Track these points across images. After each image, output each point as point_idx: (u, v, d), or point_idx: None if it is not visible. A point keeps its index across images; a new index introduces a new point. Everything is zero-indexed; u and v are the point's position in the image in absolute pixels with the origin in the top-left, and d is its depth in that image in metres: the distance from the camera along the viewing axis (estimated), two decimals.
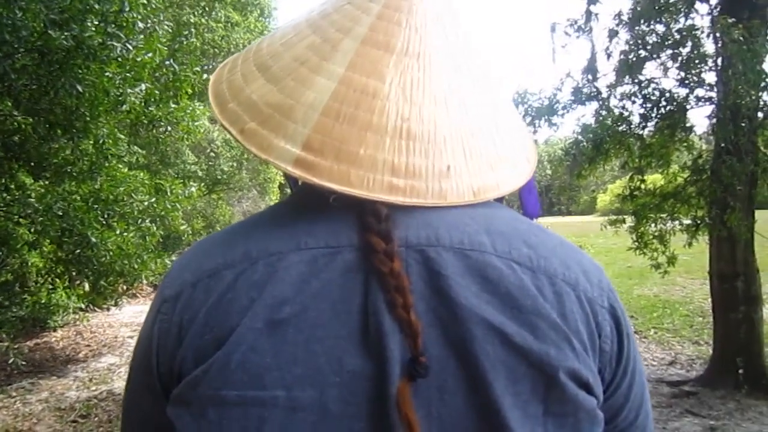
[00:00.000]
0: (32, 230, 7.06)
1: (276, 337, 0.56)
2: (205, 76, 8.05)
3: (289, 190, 0.77)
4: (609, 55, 5.60)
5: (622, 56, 5.55)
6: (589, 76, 5.70)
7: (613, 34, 5.53)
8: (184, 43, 8.02)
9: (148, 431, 0.67)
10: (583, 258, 0.66)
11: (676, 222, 5.86)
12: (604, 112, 5.73)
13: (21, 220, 7.00)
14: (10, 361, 6.55)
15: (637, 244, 5.99)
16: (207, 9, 12.74)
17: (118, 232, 7.08)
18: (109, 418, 5.41)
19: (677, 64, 5.30)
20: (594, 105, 5.85)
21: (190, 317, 0.59)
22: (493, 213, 0.64)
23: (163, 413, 0.61)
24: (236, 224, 0.69)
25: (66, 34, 4.81)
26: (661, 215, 5.79)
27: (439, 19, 0.65)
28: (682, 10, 5.09)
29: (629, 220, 6.21)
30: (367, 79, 0.60)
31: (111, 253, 6.88)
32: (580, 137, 5.73)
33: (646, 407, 0.70)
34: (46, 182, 6.84)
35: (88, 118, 5.69)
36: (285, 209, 0.68)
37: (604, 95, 5.74)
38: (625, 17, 5.53)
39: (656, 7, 4.81)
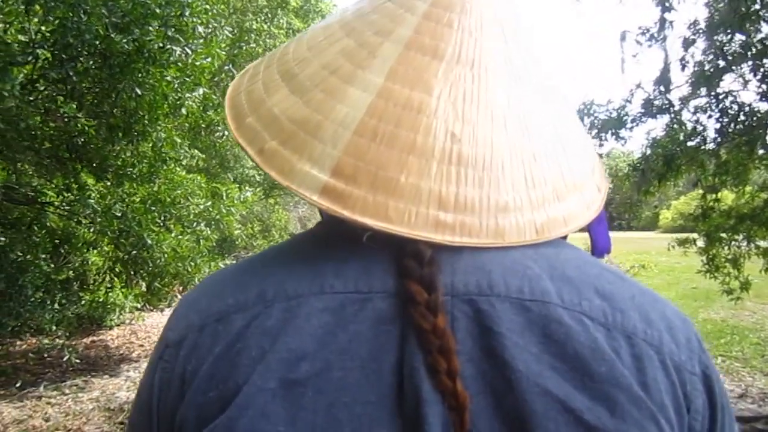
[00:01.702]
0: (92, 230, 7.23)
1: (291, 401, 0.45)
2: None
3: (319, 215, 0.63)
4: (684, 66, 5.28)
5: (697, 67, 5.23)
6: (662, 88, 5.39)
7: (689, 43, 5.22)
8: (244, 48, 8.07)
9: None
10: (668, 309, 0.53)
11: (752, 245, 5.47)
12: (676, 126, 5.41)
13: (82, 220, 7.16)
14: (65, 359, 6.68)
15: (707, 267, 5.63)
16: (269, 16, 12.89)
17: (173, 234, 7.16)
18: None
19: (758, 77, 4.95)
20: (665, 118, 5.54)
21: (193, 368, 0.49)
22: (558, 254, 0.53)
23: None
24: (254, 257, 0.58)
25: (127, 37, 4.86)
26: (736, 237, 5.42)
27: (497, 22, 0.55)
28: (765, 18, 4.74)
29: (699, 241, 5.85)
30: (410, 92, 0.50)
31: (166, 255, 6.96)
32: (649, 152, 5.44)
33: None
34: (107, 183, 6.97)
35: (147, 122, 5.75)
36: (309, 243, 0.57)
37: (677, 108, 5.42)
38: (702, 25, 5.22)
39: (737, 15, 4.49)
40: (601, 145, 5.65)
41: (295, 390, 0.46)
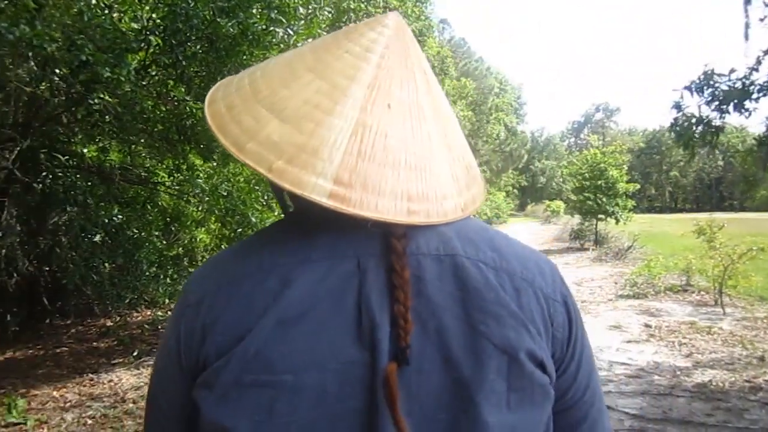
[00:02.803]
0: (200, 209, 7.55)
1: (286, 332, 0.66)
2: None
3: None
4: None
5: None
6: None
7: None
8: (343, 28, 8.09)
9: (173, 410, 0.75)
10: (540, 258, 0.80)
11: None
12: None
13: (191, 199, 7.48)
14: None
15: None
16: None
17: (276, 213, 7.35)
18: None
19: None
20: None
21: (212, 319, 0.69)
22: (466, 224, 0.78)
23: (186, 395, 0.72)
24: (248, 240, 0.79)
25: (232, 21, 4.98)
26: None
27: (421, 72, 0.77)
28: None
29: None
30: (378, 122, 0.69)
31: None
32: None
33: (594, 386, 0.81)
34: (214, 164, 7.23)
35: None
36: (290, 227, 0.78)
37: None
38: None
39: None
40: (722, 118, 5.24)
41: (288, 325, 0.67)
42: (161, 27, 5.18)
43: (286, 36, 5.52)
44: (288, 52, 0.80)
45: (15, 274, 6.69)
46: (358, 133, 0.68)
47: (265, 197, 7.43)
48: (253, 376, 0.66)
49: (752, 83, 5.08)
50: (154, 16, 5.27)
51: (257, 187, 7.27)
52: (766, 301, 9.80)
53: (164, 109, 6.27)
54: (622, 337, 7.53)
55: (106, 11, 5.08)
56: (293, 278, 0.68)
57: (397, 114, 0.71)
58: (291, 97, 0.71)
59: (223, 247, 8.86)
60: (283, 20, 5.24)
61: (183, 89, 5.43)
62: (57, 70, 4.97)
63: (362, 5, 12.12)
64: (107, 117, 5.42)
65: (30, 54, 4.56)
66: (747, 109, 5.12)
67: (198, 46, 5.42)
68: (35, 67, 4.89)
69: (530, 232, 32.29)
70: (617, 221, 20.65)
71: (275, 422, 0.66)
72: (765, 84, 5.04)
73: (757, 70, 5.11)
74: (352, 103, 0.69)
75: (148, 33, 5.21)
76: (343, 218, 0.67)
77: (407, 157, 0.70)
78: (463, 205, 0.75)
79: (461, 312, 0.69)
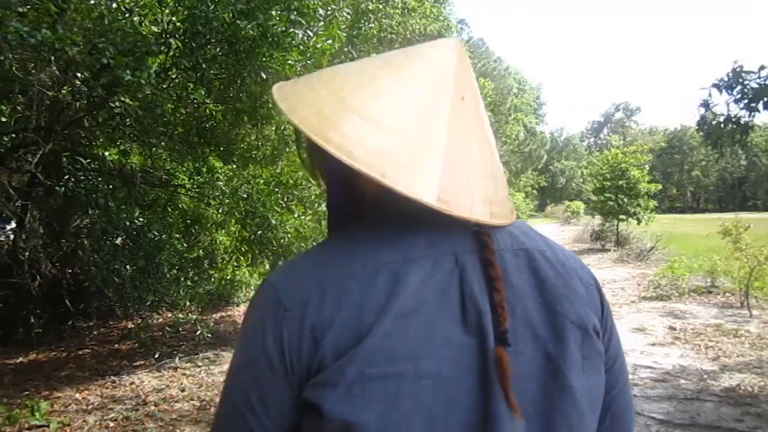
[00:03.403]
0: (220, 211, 7.55)
1: (403, 325, 0.71)
2: None
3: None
4: None
5: None
6: None
7: None
8: (363, 29, 8.06)
9: (275, 418, 0.75)
10: (571, 254, 0.92)
11: None
12: None
13: (211, 201, 7.49)
14: (198, 333, 7.06)
15: None
16: None
17: (296, 215, 7.34)
18: None
19: None
20: None
21: (324, 322, 0.72)
22: (518, 224, 0.89)
23: (289, 400, 0.73)
24: (330, 243, 0.83)
25: (252, 23, 4.96)
26: None
27: (474, 87, 0.88)
28: None
29: None
30: (462, 141, 0.80)
31: (289, 235, 7.14)
32: None
33: (622, 357, 0.92)
34: (234, 166, 7.24)
35: (270, 105, 5.87)
36: (375, 230, 0.82)
37: None
38: None
39: None
40: (752, 116, 5.12)
41: (404, 319, 0.71)
42: (181, 30, 5.19)
43: (305, 38, 5.50)
44: (355, 65, 0.87)
45: (38, 277, 6.75)
46: (451, 145, 0.79)
47: (285, 199, 7.42)
48: (377, 369, 0.70)
49: None
50: (174, 19, 5.27)
51: (277, 190, 7.27)
52: None
53: (184, 111, 6.29)
54: (647, 340, 7.41)
55: (127, 15, 5.09)
56: (404, 275, 0.74)
57: (473, 127, 0.84)
58: (384, 108, 0.78)
59: (243, 249, 8.87)
60: (303, 22, 5.22)
61: (203, 92, 5.43)
62: (78, 74, 4.99)
63: (380, 6, 12.11)
64: (128, 120, 5.44)
65: (52, 58, 4.58)
66: None
67: (218, 49, 5.42)
68: (57, 71, 4.92)
69: (550, 232, 31.99)
70: (639, 222, 20.42)
71: (401, 411, 0.70)
72: None
73: None
74: (441, 118, 0.80)
75: (168, 36, 5.22)
76: (439, 219, 0.77)
77: (484, 167, 0.82)
78: (513, 210, 0.88)
79: (539, 296, 0.80)
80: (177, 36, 5.22)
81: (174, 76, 5.82)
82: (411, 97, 0.80)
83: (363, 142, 0.75)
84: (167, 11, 5.33)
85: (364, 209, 0.86)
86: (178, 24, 5.21)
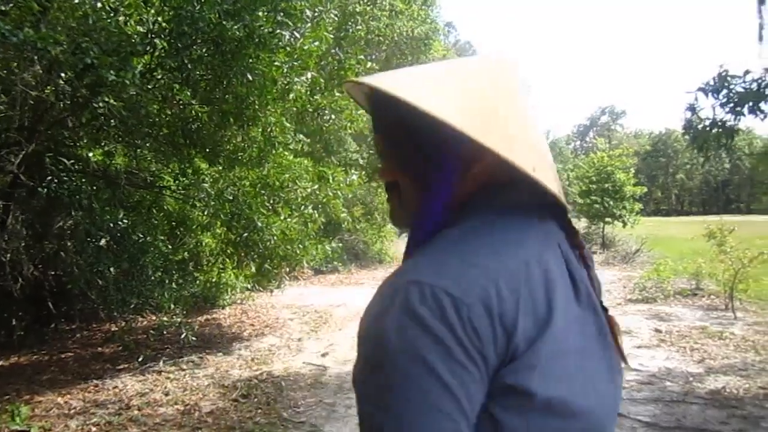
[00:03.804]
0: (206, 213, 7.47)
1: (563, 305, 0.80)
2: (369, 64, 8.07)
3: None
4: None
5: None
6: None
7: None
8: (350, 32, 8.04)
9: (473, 411, 0.74)
10: None
11: None
12: None
13: (197, 203, 7.41)
14: (183, 336, 6.98)
15: None
16: None
17: (282, 217, 7.29)
18: (267, 401, 5.53)
19: None
20: None
21: (510, 318, 0.75)
22: None
23: (483, 391, 0.74)
24: (473, 239, 0.84)
25: (238, 23, 4.92)
26: None
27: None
28: None
29: None
30: (539, 136, 0.93)
31: (275, 237, 7.09)
32: None
33: None
34: (219, 168, 7.17)
35: (257, 107, 5.83)
36: (504, 226, 0.87)
37: None
38: None
39: None
40: (737, 120, 5.14)
41: (560, 300, 0.80)
42: (167, 30, 5.13)
43: (292, 39, 5.46)
44: (457, 78, 0.90)
45: (20, 279, 6.65)
46: (537, 147, 0.88)
47: (271, 201, 7.37)
48: (565, 344, 0.78)
49: (767, 85, 4.98)
50: (159, 19, 5.21)
51: (263, 192, 7.21)
52: None
53: (169, 112, 6.22)
54: (633, 342, 7.43)
55: (112, 14, 5.03)
56: (547, 265, 0.82)
57: (542, 135, 0.95)
58: (508, 116, 0.87)
59: (229, 251, 8.79)
60: (290, 23, 5.18)
61: (188, 93, 5.37)
62: (62, 74, 4.92)
63: (368, 8, 12.10)
64: (112, 121, 5.38)
65: (35, 57, 4.52)
66: (762, 111, 5.02)
67: (204, 50, 5.37)
68: (40, 71, 4.85)
69: None
70: (624, 224, 20.55)
71: (578, 381, 0.79)
72: None
73: None
74: (532, 129, 0.90)
75: (153, 36, 5.16)
76: (543, 210, 0.90)
77: (552, 163, 0.93)
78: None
79: (586, 283, 0.92)
80: (162, 36, 5.17)
81: (159, 77, 5.75)
82: (518, 110, 0.90)
83: (515, 140, 0.84)
84: (152, 11, 5.27)
85: (472, 204, 0.90)
86: (164, 24, 5.15)
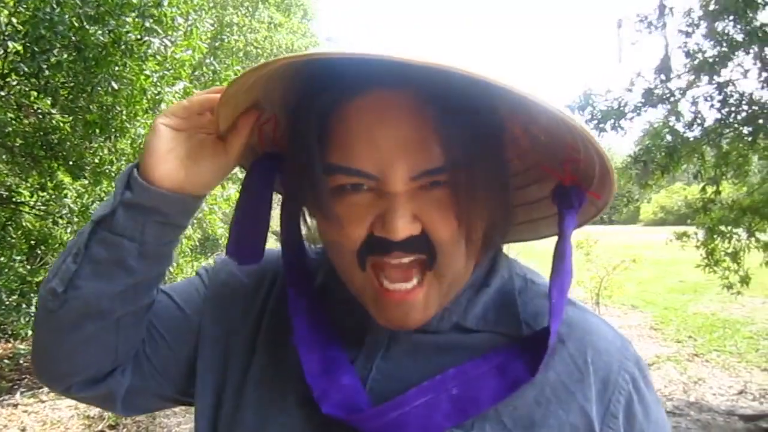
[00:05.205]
0: (69, 230, 6.96)
1: None
2: None
3: None
4: (688, 54, 5.09)
5: (700, 55, 5.03)
6: (662, 76, 5.21)
7: (692, 28, 5.01)
8: (225, 41, 7.83)
9: None
10: None
11: (752, 238, 5.31)
12: (672, 118, 5.24)
13: (59, 220, 6.89)
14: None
15: (707, 261, 5.48)
16: (251, 10, 12.65)
17: None
18: (139, 430, 5.19)
19: (759, 65, 4.77)
20: (664, 108, 5.33)
21: None
22: None
23: None
24: None
25: (103, 29, 4.63)
26: (736, 231, 5.26)
27: None
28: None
29: (699, 234, 5.68)
30: None
31: None
32: (649, 144, 5.25)
33: None
34: (84, 182, 6.72)
35: (125, 117, 5.51)
36: None
37: (677, 97, 5.23)
38: (697, 13, 5.02)
39: (739, 1, 4.31)
40: (600, 137, 5.47)
41: None
42: (22, 33, 4.74)
43: (162, 47, 5.20)
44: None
45: None
46: None
47: None
48: None
49: (626, 103, 5.35)
50: (14, 20, 4.80)
51: None
52: (638, 309, 10.44)
53: (26, 122, 5.76)
54: None
55: None
56: None
57: None
58: None
59: None
60: (159, 30, 4.94)
61: (48, 101, 4.98)
62: None
63: (246, 20, 11.88)
64: None
65: None
66: (623, 128, 5.39)
67: (64, 55, 4.99)
68: None
69: None
70: None
71: None
72: (638, 104, 5.33)
73: (630, 90, 5.40)
74: None
75: (6, 38, 4.74)
76: None
77: None
78: None
79: None
80: (17, 39, 4.76)
81: (14, 83, 5.30)
82: None
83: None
84: (6, 12, 4.85)
85: None
86: (19, 26, 4.75)
